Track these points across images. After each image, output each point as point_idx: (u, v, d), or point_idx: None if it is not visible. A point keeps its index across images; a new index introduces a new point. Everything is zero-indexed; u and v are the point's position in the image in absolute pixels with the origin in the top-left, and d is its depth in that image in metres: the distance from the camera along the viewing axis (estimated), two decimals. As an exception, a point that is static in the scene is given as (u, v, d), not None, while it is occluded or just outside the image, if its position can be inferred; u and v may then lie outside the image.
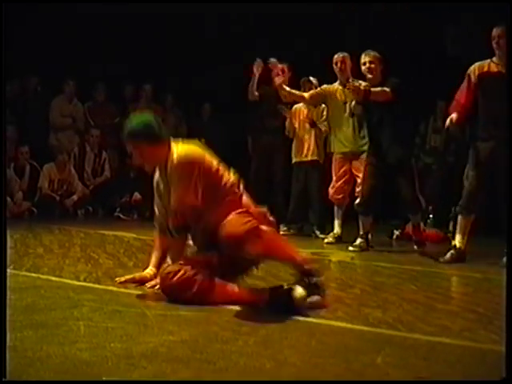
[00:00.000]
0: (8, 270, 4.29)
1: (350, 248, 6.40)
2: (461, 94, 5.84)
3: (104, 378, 2.25)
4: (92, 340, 2.68)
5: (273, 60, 6.74)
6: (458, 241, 5.67)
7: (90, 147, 9.51)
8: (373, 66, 6.27)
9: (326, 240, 6.99)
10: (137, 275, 3.95)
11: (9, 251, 5.24)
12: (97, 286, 3.94)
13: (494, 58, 5.71)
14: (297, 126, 7.62)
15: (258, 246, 3.37)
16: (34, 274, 4.21)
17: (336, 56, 6.98)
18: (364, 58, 6.32)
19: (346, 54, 6.99)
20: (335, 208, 7.13)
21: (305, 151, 7.55)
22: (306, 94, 7.07)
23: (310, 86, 7.47)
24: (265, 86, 7.83)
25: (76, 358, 2.44)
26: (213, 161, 3.76)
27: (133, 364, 2.39)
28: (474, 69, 5.79)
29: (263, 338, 2.87)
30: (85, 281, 4.07)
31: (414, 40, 8.85)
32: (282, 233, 7.54)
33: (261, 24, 9.95)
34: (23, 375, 2.26)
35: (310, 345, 2.80)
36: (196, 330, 2.93)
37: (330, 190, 7.10)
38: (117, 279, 3.95)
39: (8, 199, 8.31)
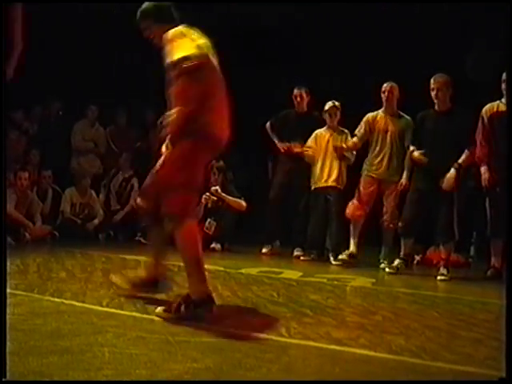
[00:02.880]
0: (32, 295, 4.35)
1: (387, 270, 6.45)
2: (481, 137, 6.45)
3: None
4: (117, 367, 2.70)
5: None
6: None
7: (121, 170, 9.54)
8: (440, 93, 6.40)
9: (340, 257, 7.02)
10: None
11: (32, 275, 5.31)
12: (120, 311, 3.95)
13: (503, 99, 6.42)
14: (318, 151, 7.61)
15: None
16: (57, 299, 4.24)
17: (385, 85, 7.08)
18: (433, 84, 6.44)
19: (394, 84, 7.07)
20: (351, 227, 7.14)
21: (325, 177, 7.54)
22: (356, 140, 7.19)
23: (336, 111, 7.52)
24: (290, 110, 7.96)
25: (102, 385, 2.46)
26: None
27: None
28: (486, 110, 6.47)
29: (286, 365, 2.88)
30: (108, 306, 4.08)
31: (431, 65, 8.86)
32: (301, 257, 7.56)
33: (287, 52, 10.00)
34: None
35: (334, 372, 2.80)
36: (220, 356, 2.94)
37: (350, 206, 7.11)
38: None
39: (29, 223, 8.38)
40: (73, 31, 10.11)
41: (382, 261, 6.96)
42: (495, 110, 6.46)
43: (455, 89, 6.45)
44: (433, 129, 6.44)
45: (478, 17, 8.55)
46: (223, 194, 8.11)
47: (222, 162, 8.45)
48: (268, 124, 8.09)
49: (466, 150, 6.33)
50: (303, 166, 7.76)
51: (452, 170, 6.25)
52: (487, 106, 6.52)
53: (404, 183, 6.85)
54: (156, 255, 4.22)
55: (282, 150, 7.89)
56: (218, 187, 8.15)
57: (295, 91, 7.93)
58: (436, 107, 6.50)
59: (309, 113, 7.95)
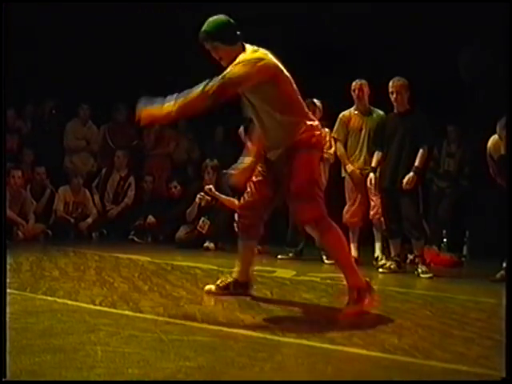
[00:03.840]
0: (25, 293, 4.34)
1: (380, 270, 6.50)
2: (493, 173, 6.16)
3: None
4: (110, 365, 2.70)
5: None
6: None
7: (116, 169, 9.52)
8: (399, 96, 6.54)
9: None
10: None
11: (25, 274, 5.30)
12: (112, 310, 3.95)
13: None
14: None
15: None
16: (50, 298, 4.23)
17: (354, 83, 7.11)
18: (391, 88, 6.57)
19: (363, 81, 7.12)
20: (350, 232, 7.14)
21: None
22: (341, 146, 7.18)
23: (314, 109, 7.40)
24: None
25: (95, 384, 2.46)
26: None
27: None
28: (494, 148, 6.05)
29: (279, 364, 2.88)
30: (100, 305, 4.08)
31: (425, 65, 8.88)
32: (279, 257, 7.51)
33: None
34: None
35: (326, 371, 2.80)
36: (212, 355, 2.94)
37: (345, 215, 7.13)
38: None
39: (22, 221, 8.37)
40: (66, 29, 10.09)
41: (376, 256, 6.95)
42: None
43: (412, 91, 6.58)
44: (392, 130, 6.59)
45: (475, 17, 8.56)
46: (217, 193, 8.10)
47: (215, 161, 8.44)
48: (241, 129, 7.86)
49: (421, 150, 6.41)
50: None
51: (411, 173, 6.34)
52: (492, 143, 6.11)
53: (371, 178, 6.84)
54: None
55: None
56: (211, 186, 8.15)
57: None
58: (395, 110, 6.66)
59: None
